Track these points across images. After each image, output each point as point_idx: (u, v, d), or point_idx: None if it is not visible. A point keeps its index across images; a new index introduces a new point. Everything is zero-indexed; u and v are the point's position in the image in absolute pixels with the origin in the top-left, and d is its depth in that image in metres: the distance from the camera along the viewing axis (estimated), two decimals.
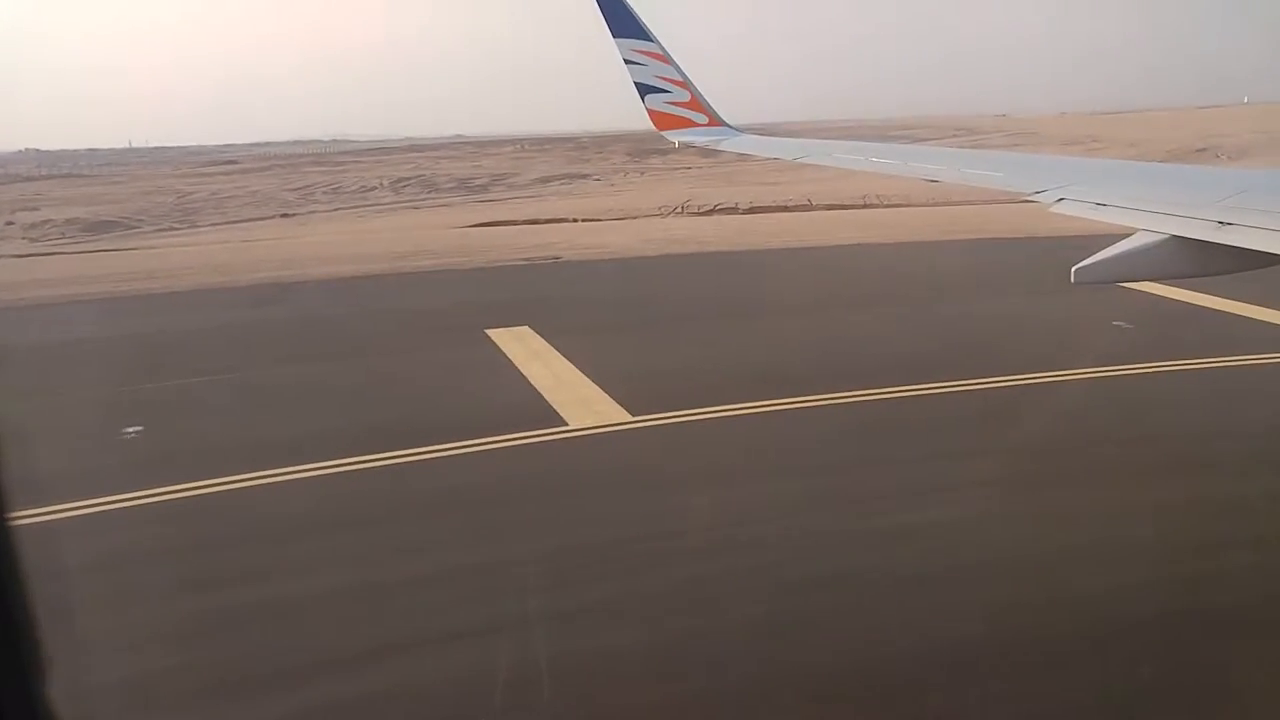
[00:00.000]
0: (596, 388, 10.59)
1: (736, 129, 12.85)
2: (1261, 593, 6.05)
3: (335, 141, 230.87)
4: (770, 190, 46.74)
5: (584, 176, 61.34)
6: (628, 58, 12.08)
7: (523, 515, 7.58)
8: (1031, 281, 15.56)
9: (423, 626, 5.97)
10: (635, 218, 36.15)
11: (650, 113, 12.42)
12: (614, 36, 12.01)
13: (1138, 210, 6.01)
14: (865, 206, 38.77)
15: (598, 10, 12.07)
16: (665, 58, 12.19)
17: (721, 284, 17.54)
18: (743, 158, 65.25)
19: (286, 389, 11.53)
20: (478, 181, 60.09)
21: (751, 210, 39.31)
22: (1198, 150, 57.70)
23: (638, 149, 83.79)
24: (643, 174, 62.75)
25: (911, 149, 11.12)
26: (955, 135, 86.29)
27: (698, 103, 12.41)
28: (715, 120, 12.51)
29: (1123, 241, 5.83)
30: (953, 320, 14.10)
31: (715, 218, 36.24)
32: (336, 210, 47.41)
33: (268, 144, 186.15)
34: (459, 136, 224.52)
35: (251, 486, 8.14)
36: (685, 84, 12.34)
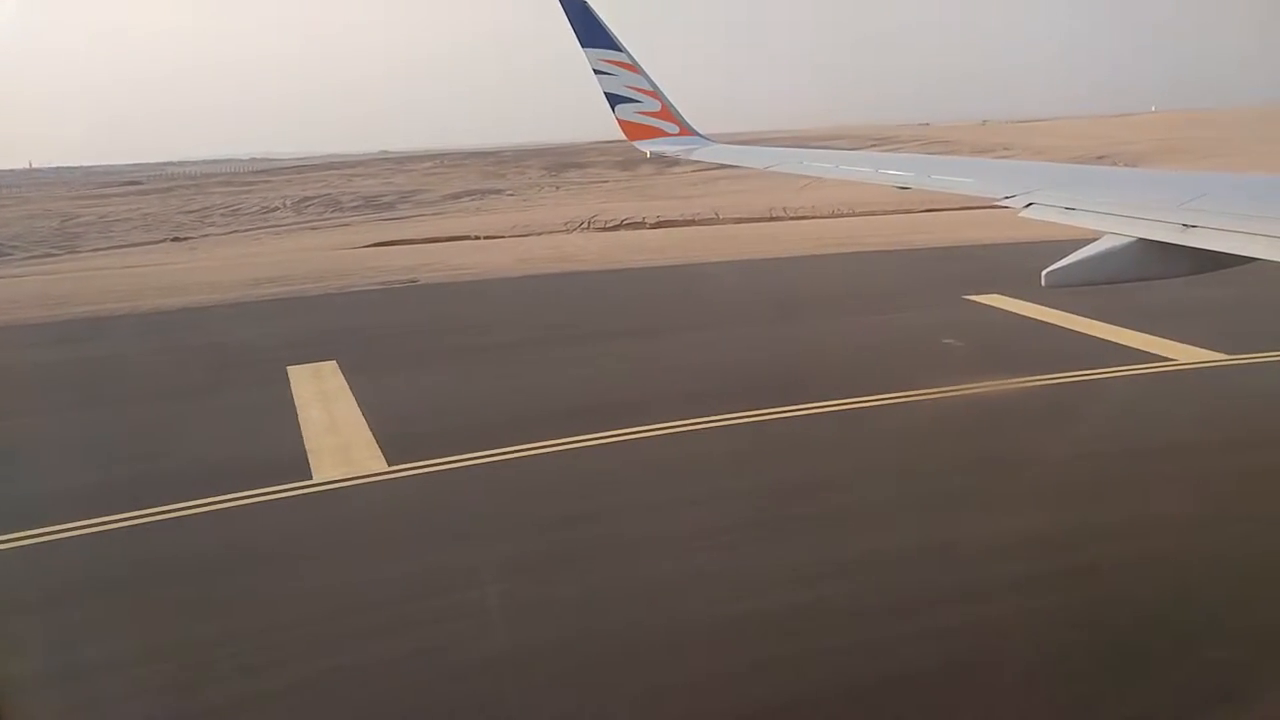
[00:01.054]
0: (369, 433, 9.83)
1: (707, 138, 12.78)
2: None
3: (255, 160, 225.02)
4: (682, 204, 46.20)
5: (497, 192, 60.07)
6: (597, 68, 12.01)
7: (173, 598, 6.68)
8: (890, 297, 15.09)
9: None
10: (538, 234, 35.18)
11: (621, 123, 12.39)
12: (583, 46, 11.91)
13: (1106, 214, 6.06)
14: (772, 219, 38.43)
15: (566, 21, 12.01)
16: (635, 67, 12.11)
17: (566, 306, 16.98)
18: (661, 170, 65.06)
19: (21, 442, 10.41)
20: (385, 199, 58.36)
21: (658, 225, 38.65)
22: (1099, 157, 59.18)
23: (556, 163, 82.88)
24: (558, 188, 61.73)
25: (882, 156, 11.55)
26: (873, 145, 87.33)
27: (668, 112, 12.38)
28: (686, 129, 12.47)
29: (1091, 245, 5.87)
30: (774, 343, 13.47)
31: (618, 233, 35.49)
32: (231, 233, 45.30)
33: (182, 163, 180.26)
34: (384, 152, 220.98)
35: None
36: (655, 93, 12.28)
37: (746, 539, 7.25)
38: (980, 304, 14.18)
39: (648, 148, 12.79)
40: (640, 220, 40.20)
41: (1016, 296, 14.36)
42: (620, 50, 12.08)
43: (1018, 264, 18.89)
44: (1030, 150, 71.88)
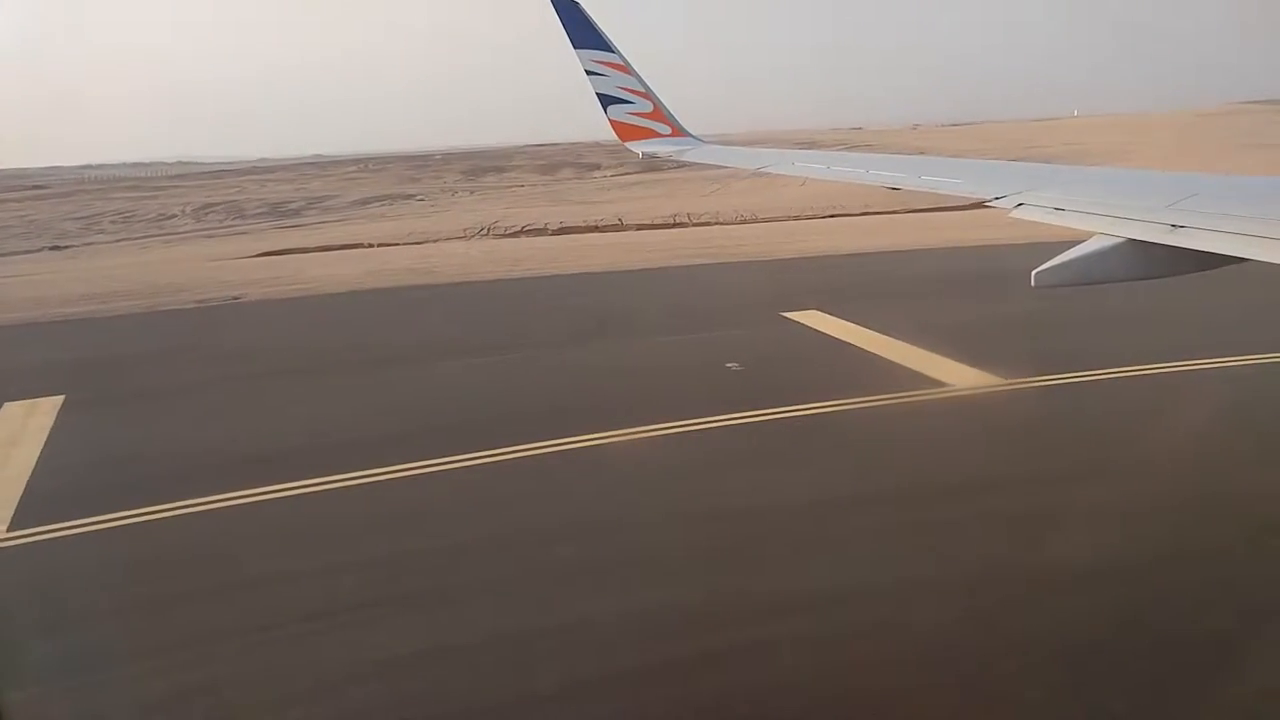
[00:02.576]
0: (20, 487, 8.87)
1: (700, 139, 12.69)
2: None
3: (179, 164, 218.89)
4: (591, 209, 45.53)
5: (409, 197, 58.74)
6: (589, 69, 11.97)
7: None
8: (708, 315, 14.55)
9: None
10: (432, 241, 34.23)
11: (613, 124, 12.33)
12: (575, 48, 11.86)
13: (1095, 215, 6.03)
14: (675, 226, 37.96)
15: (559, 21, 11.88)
16: (627, 68, 12.06)
17: (368, 328, 16.01)
18: (581, 175, 64.21)
19: None
20: (292, 206, 56.67)
21: (559, 231, 37.88)
22: (1012, 159, 60.17)
23: (476, 167, 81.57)
24: (472, 193, 60.62)
25: (873, 157, 11.19)
26: (796, 149, 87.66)
27: (660, 113, 12.32)
28: (678, 130, 12.42)
29: (1080, 245, 5.84)
30: (548, 370, 12.71)
31: (515, 240, 34.69)
32: (120, 241, 43.30)
33: (101, 166, 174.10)
34: (318, 156, 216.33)
35: None
36: (648, 94, 12.23)
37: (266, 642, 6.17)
38: (793, 321, 13.70)
39: (640, 148, 12.65)
40: (542, 226, 39.42)
41: (834, 312, 13.92)
42: (612, 51, 12.00)
43: (864, 275, 18.83)
44: (946, 153, 72.90)
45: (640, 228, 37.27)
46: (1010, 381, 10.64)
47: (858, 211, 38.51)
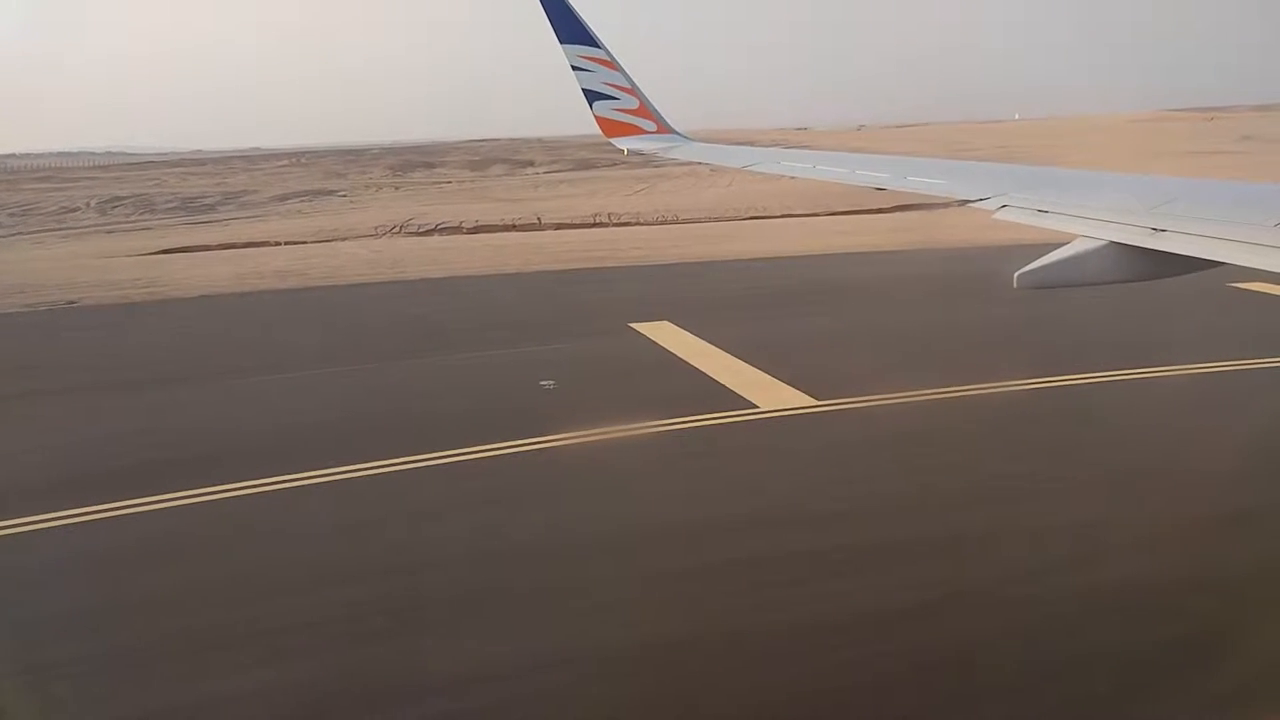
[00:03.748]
0: None
1: (686, 136, 12.55)
2: None
3: (108, 154, 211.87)
4: (513, 207, 44.54)
5: (330, 193, 57.04)
6: (575, 64, 11.85)
7: None
8: (552, 325, 13.74)
9: None
10: (342, 239, 33.00)
11: (598, 119, 12.20)
12: (561, 43, 11.73)
13: (1078, 217, 6.02)
14: (594, 225, 37.22)
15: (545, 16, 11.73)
16: (613, 64, 11.94)
17: (194, 338, 14.79)
18: (512, 171, 63.03)
19: None
20: (207, 201, 54.63)
21: (474, 230, 36.90)
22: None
23: (405, 163, 79.75)
24: (397, 189, 59.13)
25: (859, 157, 10.52)
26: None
27: (646, 110, 12.22)
28: (663, 127, 12.31)
29: (1063, 248, 5.82)
30: (338, 392, 11.61)
31: (427, 238, 33.63)
32: (13, 235, 41.15)
33: (25, 155, 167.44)
34: (255, 149, 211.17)
35: None
36: (633, 90, 12.13)
37: None
38: (638, 333, 13.02)
39: (625, 145, 12.49)
40: (457, 225, 38.39)
41: (687, 323, 13.27)
42: (598, 47, 11.87)
43: (742, 282, 18.28)
44: (884, 153, 73.33)
45: (558, 226, 36.47)
46: (822, 403, 9.86)
47: (778, 214, 38.18)
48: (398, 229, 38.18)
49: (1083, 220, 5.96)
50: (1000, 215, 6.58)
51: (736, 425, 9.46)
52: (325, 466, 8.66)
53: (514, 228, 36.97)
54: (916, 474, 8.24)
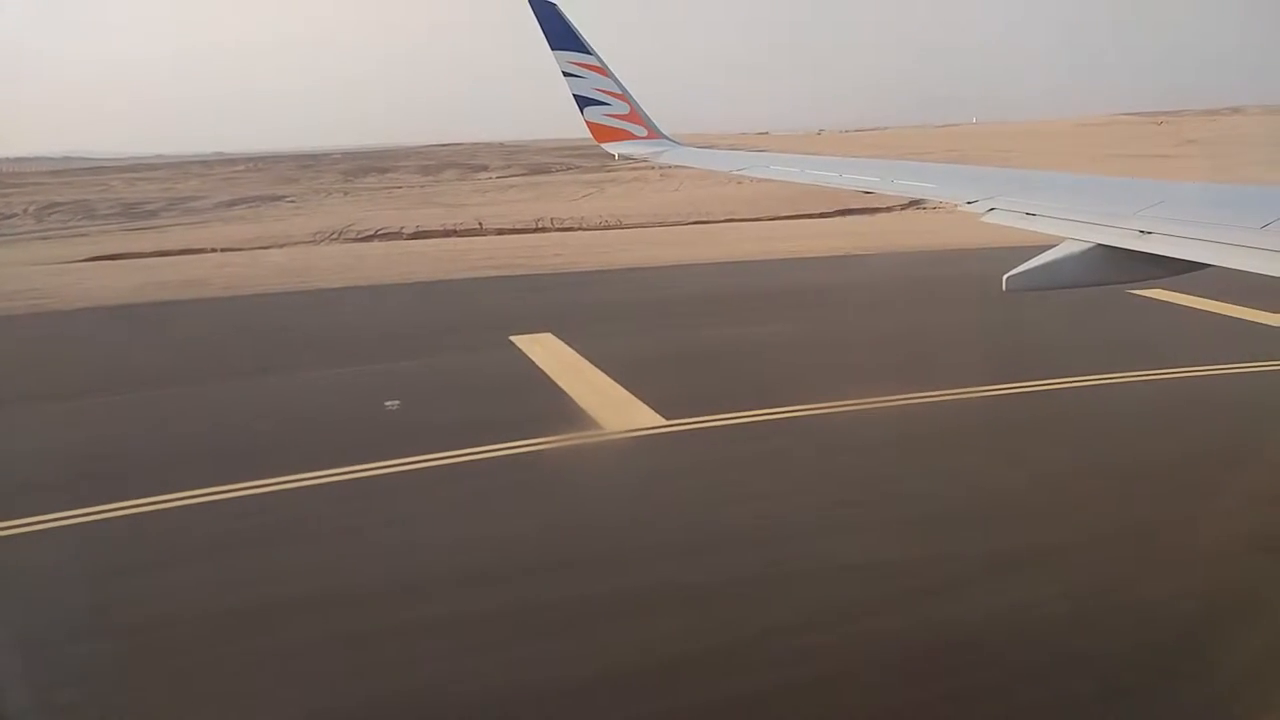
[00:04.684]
0: None
1: (675, 141, 12.57)
2: None
3: (68, 158, 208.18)
4: (458, 212, 44.21)
5: (278, 199, 56.36)
6: (566, 70, 11.90)
7: None
8: (432, 336, 13.28)
9: None
10: (280, 246, 32.51)
11: (589, 125, 12.26)
12: (552, 49, 11.79)
13: (1066, 220, 6.05)
14: (536, 230, 37.00)
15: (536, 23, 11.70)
16: (604, 70, 12.03)
17: (39, 357, 13.71)
18: (464, 177, 62.39)
19: None
20: (151, 206, 53.78)
21: (414, 235, 36.54)
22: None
23: (359, 167, 79.17)
24: (346, 194, 58.52)
25: (847, 161, 10.54)
26: None
27: (636, 115, 12.28)
28: (654, 132, 12.40)
29: (1052, 250, 5.87)
30: (170, 414, 10.85)
31: (371, 244, 33.25)
32: None
33: None
34: (218, 153, 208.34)
35: None
36: (624, 96, 12.20)
37: None
38: (515, 347, 12.78)
39: (615, 150, 12.50)
40: (398, 230, 38.01)
41: (571, 335, 13.05)
42: (589, 53, 11.92)
43: (651, 291, 17.91)
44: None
45: (499, 232, 36.19)
46: (671, 424, 9.43)
47: (721, 219, 38.22)
48: (337, 235, 37.71)
49: (1070, 223, 5.98)
50: (988, 218, 6.58)
51: (565, 451, 8.97)
52: (43, 512, 7.75)
53: (454, 233, 36.64)
54: (710, 508, 7.63)
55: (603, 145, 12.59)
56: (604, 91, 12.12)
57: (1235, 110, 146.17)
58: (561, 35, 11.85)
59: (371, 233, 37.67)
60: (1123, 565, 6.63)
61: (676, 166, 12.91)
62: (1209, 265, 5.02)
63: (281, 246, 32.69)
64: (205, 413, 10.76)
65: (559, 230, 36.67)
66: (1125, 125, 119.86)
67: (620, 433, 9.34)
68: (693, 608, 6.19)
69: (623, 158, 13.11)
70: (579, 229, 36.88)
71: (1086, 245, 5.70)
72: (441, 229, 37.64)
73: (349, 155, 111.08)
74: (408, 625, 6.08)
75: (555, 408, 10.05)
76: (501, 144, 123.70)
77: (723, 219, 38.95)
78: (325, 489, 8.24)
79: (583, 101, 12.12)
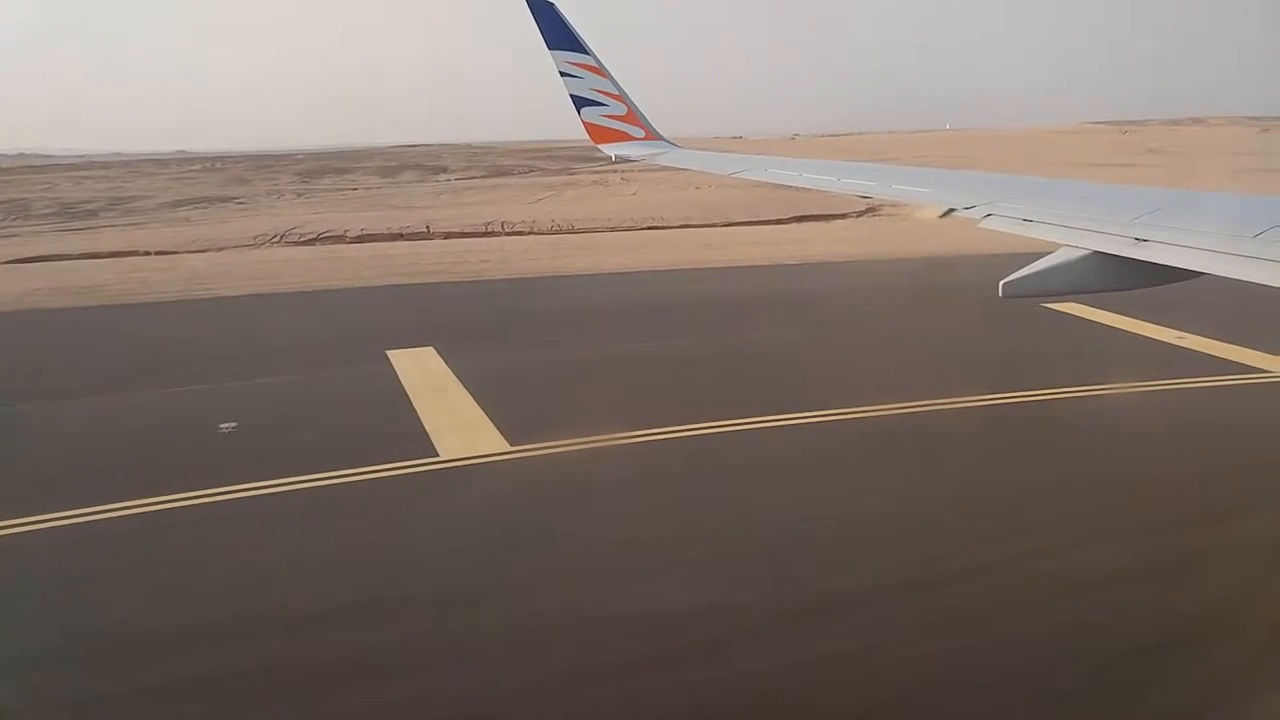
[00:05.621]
0: None
1: (673, 143, 12.43)
2: None
3: (23, 155, 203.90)
4: (409, 215, 43.04)
5: (228, 200, 54.83)
6: (564, 70, 11.77)
7: None
8: (310, 350, 12.22)
9: None
10: (217, 250, 31.16)
11: (586, 125, 12.13)
12: (549, 49, 11.66)
13: (1063, 227, 6.06)
14: (485, 234, 35.91)
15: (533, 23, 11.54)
16: (601, 71, 11.90)
17: None
18: (424, 178, 61.07)
19: None
20: (91, 207, 52.06)
21: (358, 239, 35.36)
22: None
23: (318, 168, 77.54)
24: (299, 196, 57.01)
25: (845, 165, 10.92)
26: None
27: (634, 116, 12.18)
28: (651, 134, 12.29)
29: (1047, 257, 5.84)
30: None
31: (310, 248, 31.97)
32: None
33: None
34: (180, 152, 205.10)
35: None
36: (621, 97, 12.10)
37: None
38: (389, 362, 11.77)
39: (612, 151, 12.39)
40: (342, 233, 36.75)
41: (453, 350, 12.04)
42: (587, 53, 11.80)
43: (554, 300, 17.03)
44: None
45: (446, 235, 35.07)
46: (513, 450, 8.55)
47: (676, 224, 37.34)
48: (278, 238, 36.40)
49: (1068, 230, 5.97)
50: (985, 224, 6.55)
51: (373, 485, 8.06)
52: None
53: (400, 237, 35.52)
54: (499, 550, 6.87)
55: (599, 146, 12.41)
56: (601, 92, 11.97)
57: (1197, 121, 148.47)
58: (559, 35, 11.69)
59: (314, 236, 36.40)
60: None
61: (674, 168, 12.40)
62: (1205, 273, 4.96)
63: (219, 250, 31.35)
64: (52, 431, 9.68)
65: (508, 234, 35.60)
66: (1093, 134, 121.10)
67: (450, 461, 8.39)
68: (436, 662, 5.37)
69: (620, 159, 12.90)
70: (529, 233, 35.82)
71: (1083, 252, 5.66)
72: (387, 233, 36.45)
73: (312, 156, 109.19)
74: None
75: (396, 433, 9.04)
76: (468, 145, 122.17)
77: (678, 224, 38.06)
78: (64, 531, 7.14)
79: (580, 102, 11.94)
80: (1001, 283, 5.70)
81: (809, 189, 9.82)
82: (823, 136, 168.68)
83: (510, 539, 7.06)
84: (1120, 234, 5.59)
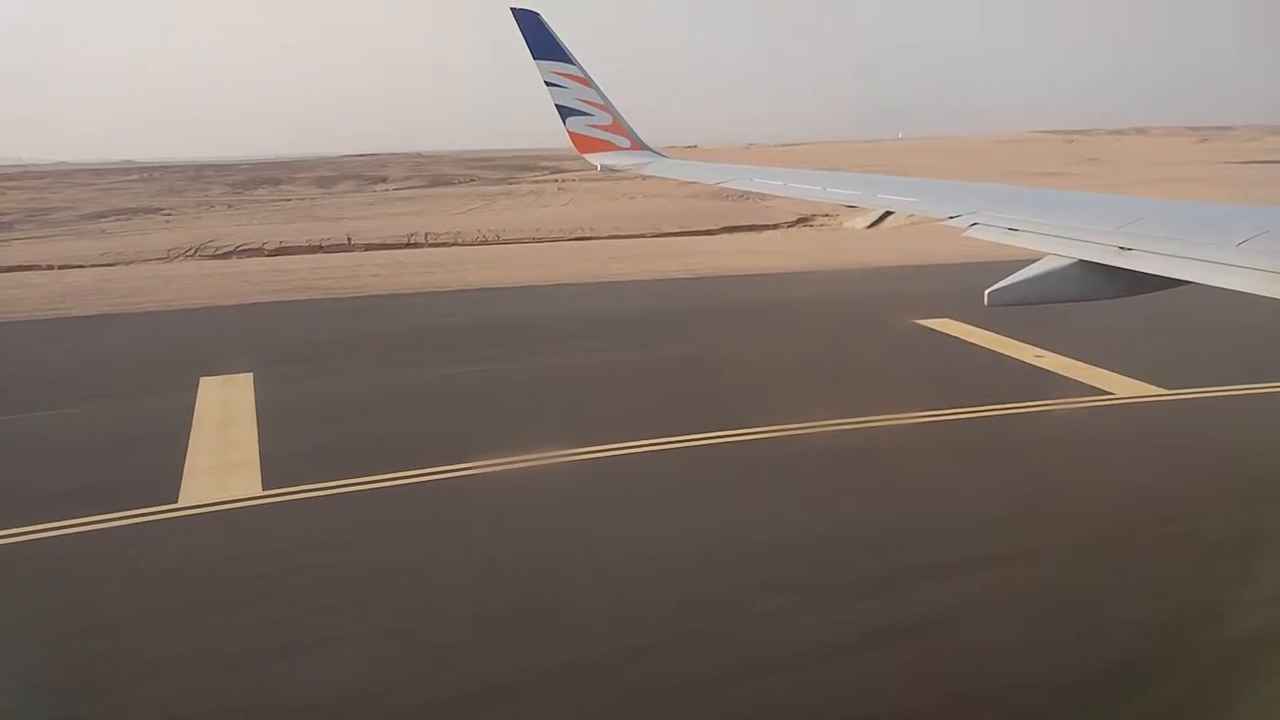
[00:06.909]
0: None
1: (659, 153, 12.37)
2: None
3: None
4: (334, 226, 41.96)
5: (154, 211, 53.27)
6: (549, 80, 11.81)
7: None
8: (118, 380, 11.08)
9: None
10: (127, 263, 29.92)
11: (571, 135, 12.14)
12: (534, 59, 11.70)
13: (1048, 235, 6.07)
14: (408, 246, 34.98)
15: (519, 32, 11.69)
16: (586, 80, 11.92)
17: None
18: (361, 188, 59.85)
19: None
20: (7, 219, 50.37)
21: (276, 251, 34.25)
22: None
23: (254, 178, 75.86)
24: (230, 207, 55.65)
25: (830, 175, 10.29)
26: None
27: (619, 126, 12.19)
28: (637, 144, 12.23)
29: (1033, 265, 5.84)
30: None
31: (223, 261, 30.78)
32: None
33: None
34: (127, 162, 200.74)
35: None
36: (606, 107, 12.10)
37: None
38: (199, 389, 10.79)
39: (598, 161, 12.29)
40: (260, 247, 35.60)
41: (271, 377, 11.12)
42: (572, 63, 11.83)
43: (421, 318, 15.70)
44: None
45: (368, 248, 34.04)
46: (267, 495, 7.59)
47: (606, 234, 36.71)
48: (193, 251, 35.17)
49: (1053, 239, 6.01)
50: (971, 233, 6.58)
51: (78, 538, 6.96)
52: None
53: (320, 249, 34.47)
54: (204, 615, 5.80)
55: (585, 156, 12.38)
56: (587, 102, 11.99)
57: (1141, 131, 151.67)
58: (544, 45, 11.72)
59: (231, 249, 35.23)
60: None
61: (660, 178, 12.07)
62: (1189, 282, 5.02)
63: (128, 264, 30.09)
64: None
65: (431, 245, 34.71)
66: (1040, 143, 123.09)
67: (183, 509, 7.27)
68: None
69: (606, 169, 12.71)
70: (454, 244, 34.95)
71: (1068, 261, 5.71)
72: (307, 245, 35.40)
73: (255, 166, 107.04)
74: None
75: (146, 475, 7.96)
76: (417, 154, 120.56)
77: (607, 235, 37.47)
78: None
79: (565, 112, 11.94)
80: (987, 291, 5.71)
81: (795, 198, 9.74)
82: (775, 146, 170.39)
83: (151, 615, 5.86)
84: (1105, 243, 5.67)
